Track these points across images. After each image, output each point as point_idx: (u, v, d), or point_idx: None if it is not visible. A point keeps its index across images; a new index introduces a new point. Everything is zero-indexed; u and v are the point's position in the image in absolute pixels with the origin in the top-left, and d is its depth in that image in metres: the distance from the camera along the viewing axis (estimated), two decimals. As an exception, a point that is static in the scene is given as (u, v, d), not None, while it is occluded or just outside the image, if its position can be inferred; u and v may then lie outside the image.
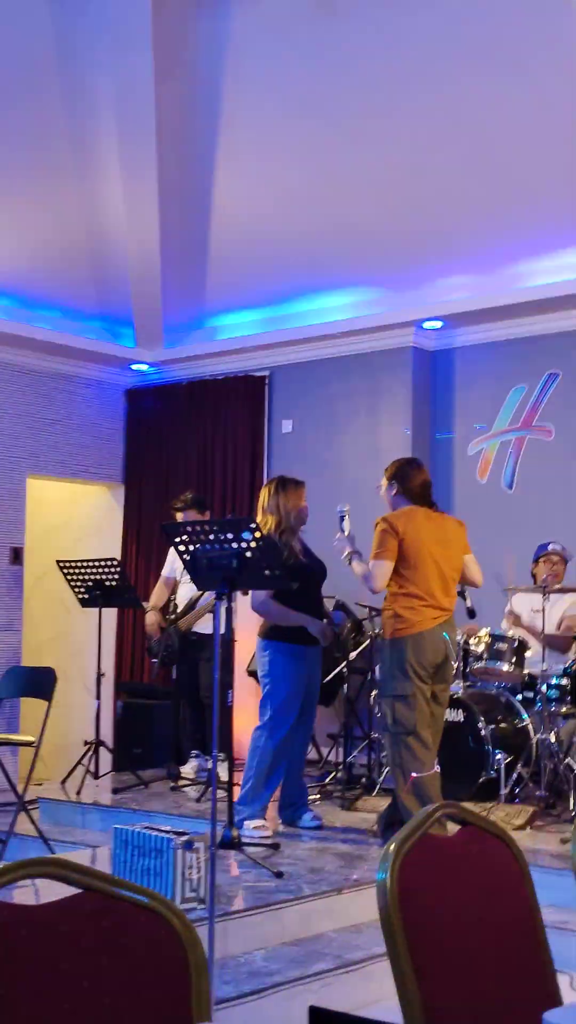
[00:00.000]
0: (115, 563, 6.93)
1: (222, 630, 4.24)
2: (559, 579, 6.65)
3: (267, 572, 4.57)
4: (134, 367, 9.24)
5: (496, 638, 6.52)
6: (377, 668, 5.48)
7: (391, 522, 5.31)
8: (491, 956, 1.98)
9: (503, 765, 6.07)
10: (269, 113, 6.71)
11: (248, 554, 4.45)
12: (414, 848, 1.92)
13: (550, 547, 6.80)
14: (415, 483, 5.48)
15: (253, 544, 4.43)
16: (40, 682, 6.08)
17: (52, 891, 1.56)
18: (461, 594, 6.90)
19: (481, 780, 6.22)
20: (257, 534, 4.43)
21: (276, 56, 6.32)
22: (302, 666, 5.73)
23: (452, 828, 2.09)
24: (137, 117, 6.59)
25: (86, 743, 7.00)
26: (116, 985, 1.50)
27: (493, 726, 6.34)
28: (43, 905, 1.52)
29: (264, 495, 5.87)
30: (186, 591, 7.04)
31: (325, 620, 5.88)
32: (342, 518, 5.61)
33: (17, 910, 1.49)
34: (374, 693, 6.52)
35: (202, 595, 6.90)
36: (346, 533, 5.56)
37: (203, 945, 1.64)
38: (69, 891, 1.57)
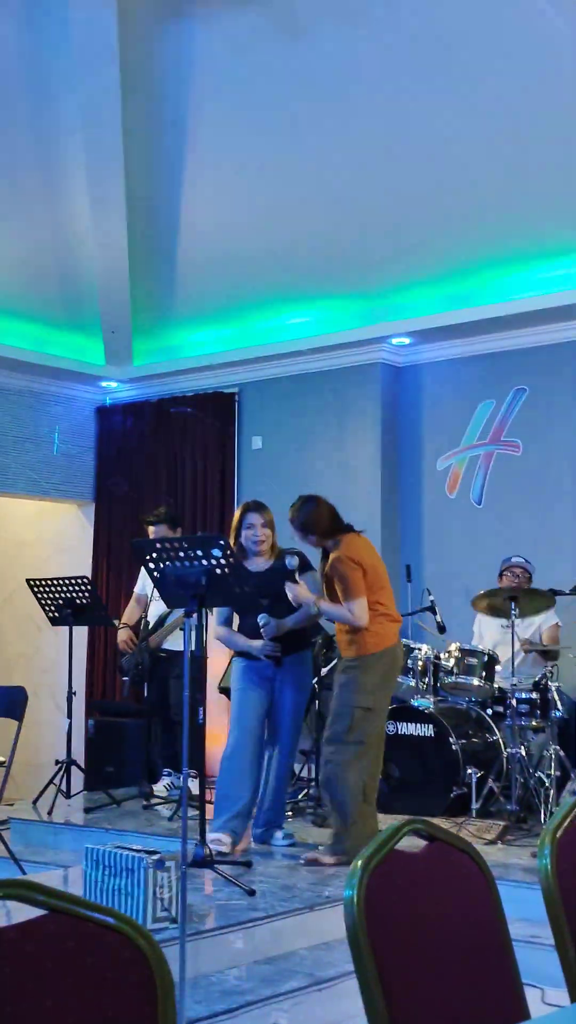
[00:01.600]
0: (86, 581, 6.91)
1: (192, 647, 4.24)
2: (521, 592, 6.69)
3: (236, 589, 4.57)
4: (103, 384, 9.23)
5: (466, 652, 6.54)
6: (340, 681, 5.47)
7: (353, 558, 5.40)
8: (458, 971, 1.98)
9: (474, 780, 6.09)
10: (236, 130, 6.74)
11: (217, 571, 4.45)
12: (381, 864, 1.92)
13: (513, 560, 6.85)
14: (324, 520, 5.49)
15: (223, 561, 4.44)
16: (11, 701, 6.04)
17: (22, 913, 1.56)
18: (431, 609, 6.95)
19: (452, 795, 6.24)
20: (227, 551, 4.44)
21: (242, 73, 6.35)
22: (256, 681, 5.74)
23: (419, 843, 2.09)
24: (104, 134, 6.60)
25: (57, 762, 6.96)
26: (81, 1007, 1.50)
27: (464, 741, 6.36)
28: (8, 927, 1.51)
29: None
30: (157, 608, 7.03)
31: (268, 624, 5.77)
32: (294, 571, 5.56)
33: (-19, 932, 1.48)
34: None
35: (171, 612, 6.89)
36: (300, 584, 5.53)
37: (174, 965, 1.64)
38: (36, 912, 1.56)
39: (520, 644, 6.37)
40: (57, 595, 6.91)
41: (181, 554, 4.50)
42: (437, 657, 6.64)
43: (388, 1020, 1.80)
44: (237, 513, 5.92)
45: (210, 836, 5.51)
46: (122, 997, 1.53)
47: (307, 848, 5.73)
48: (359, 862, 1.90)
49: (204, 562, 4.43)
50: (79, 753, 7.81)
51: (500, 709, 6.53)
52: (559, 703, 6.05)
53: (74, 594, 6.86)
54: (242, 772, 5.66)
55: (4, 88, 6.44)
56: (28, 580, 7.05)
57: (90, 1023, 1.49)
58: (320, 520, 5.48)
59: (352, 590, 5.33)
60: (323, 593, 5.50)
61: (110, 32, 5.92)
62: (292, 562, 5.56)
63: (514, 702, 6.13)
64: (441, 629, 6.88)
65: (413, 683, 6.63)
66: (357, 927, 1.82)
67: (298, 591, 5.49)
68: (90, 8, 5.81)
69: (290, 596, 5.51)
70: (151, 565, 4.59)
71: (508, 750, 6.15)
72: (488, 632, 6.98)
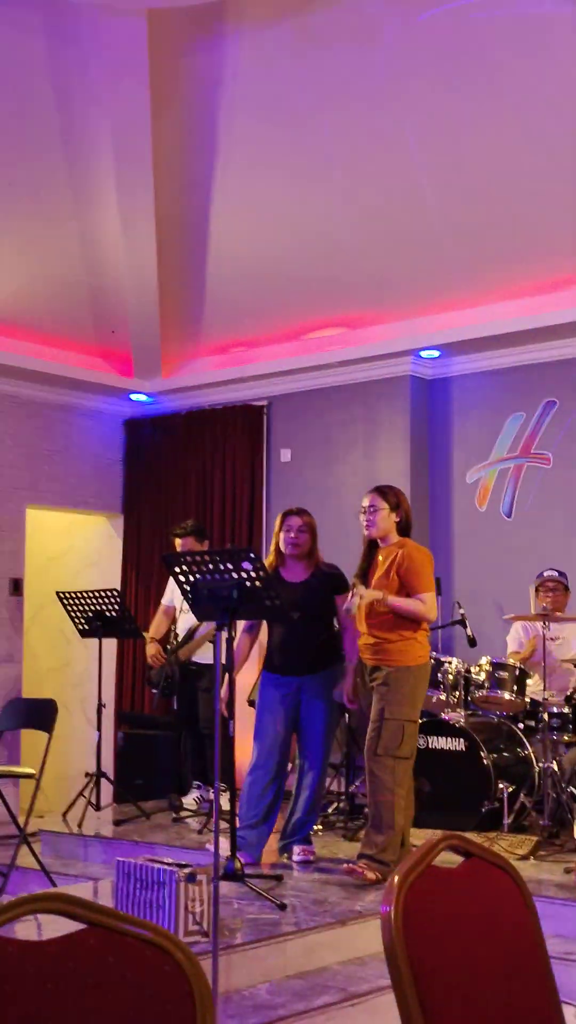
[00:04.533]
0: (115, 593, 6.93)
1: (223, 660, 4.24)
2: (559, 606, 6.65)
3: (267, 602, 4.57)
4: (133, 397, 9.27)
5: (497, 666, 6.51)
6: (381, 694, 5.39)
7: (429, 556, 5.52)
8: (496, 988, 1.97)
9: (506, 795, 6.05)
10: (265, 145, 6.76)
11: (248, 584, 4.46)
12: (418, 880, 1.91)
13: (546, 574, 6.81)
14: (410, 516, 5.57)
15: (253, 574, 4.44)
16: (41, 714, 6.07)
17: (55, 926, 1.56)
18: (462, 623, 6.92)
19: (484, 810, 6.20)
20: (257, 564, 4.44)
21: (272, 88, 6.37)
22: (277, 698, 5.73)
23: (455, 860, 2.08)
24: (134, 150, 6.64)
25: (87, 774, 6.98)
26: (122, 1020, 1.50)
27: (495, 755, 6.32)
28: (47, 941, 1.52)
29: None
30: (185, 621, 7.04)
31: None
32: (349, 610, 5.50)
33: (22, 946, 1.48)
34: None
35: (200, 625, 6.90)
36: (360, 587, 5.46)
37: (207, 978, 1.64)
38: (72, 926, 1.56)
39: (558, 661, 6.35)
40: (87, 608, 6.94)
41: (211, 567, 4.51)
42: (468, 671, 6.61)
43: (426, 1037, 1.79)
44: (279, 518, 5.90)
45: (299, 848, 5.59)
46: (162, 1012, 1.53)
47: (338, 862, 5.70)
48: (396, 878, 1.89)
49: (235, 575, 4.44)
50: (108, 766, 7.83)
51: (532, 723, 6.50)
52: (591, 717, 6.00)
53: (103, 607, 6.89)
54: (261, 792, 5.65)
55: (34, 104, 6.49)
56: (58, 593, 7.08)
57: (131, 1038, 1.49)
58: (408, 508, 5.58)
59: (429, 583, 5.39)
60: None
61: (140, 48, 5.96)
62: (351, 608, 5.45)
63: (546, 716, 6.09)
64: (472, 643, 6.85)
65: (444, 697, 6.60)
66: (395, 943, 1.81)
67: (365, 592, 5.37)
68: (120, 25, 5.85)
69: (357, 602, 5.39)
70: (181, 578, 4.60)
71: (540, 764, 6.12)
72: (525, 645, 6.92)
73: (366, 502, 5.55)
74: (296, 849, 5.77)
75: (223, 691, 5.69)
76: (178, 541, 7.26)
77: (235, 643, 5.59)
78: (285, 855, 5.78)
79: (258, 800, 5.64)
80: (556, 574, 6.79)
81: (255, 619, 5.73)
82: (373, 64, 6.04)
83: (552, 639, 6.42)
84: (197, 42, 6.14)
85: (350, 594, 5.48)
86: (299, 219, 7.26)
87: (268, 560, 5.81)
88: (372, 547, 5.59)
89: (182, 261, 7.76)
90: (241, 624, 5.80)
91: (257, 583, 4.49)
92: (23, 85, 6.32)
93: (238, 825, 5.58)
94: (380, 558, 5.50)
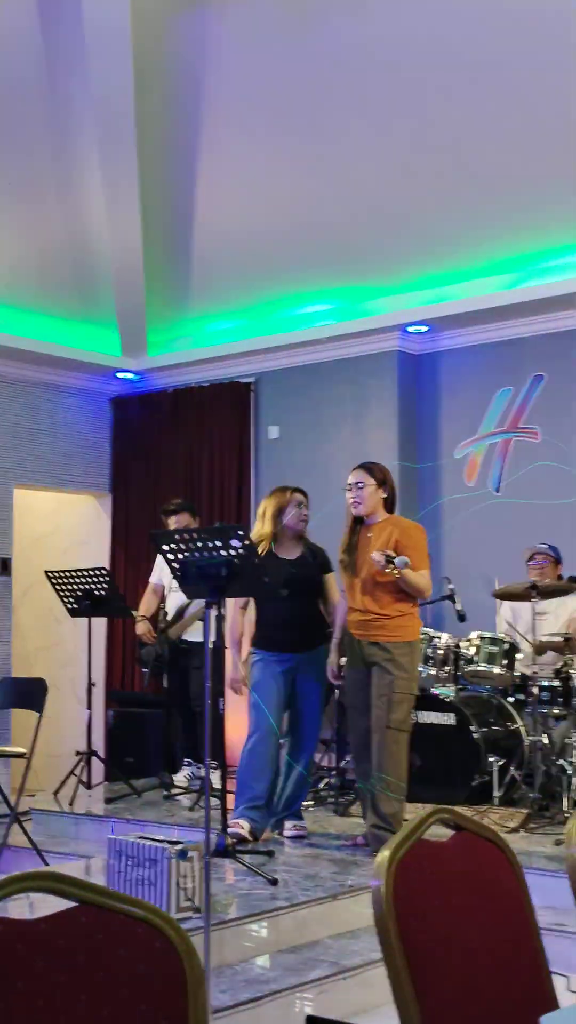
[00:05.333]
0: (104, 572, 6.92)
1: (212, 638, 4.24)
2: (548, 579, 6.66)
3: (256, 579, 4.57)
4: (119, 375, 9.23)
5: (486, 641, 6.53)
6: (386, 669, 5.38)
7: (424, 531, 5.55)
8: (487, 960, 1.98)
9: (496, 768, 6.08)
10: (250, 120, 6.72)
11: (237, 561, 4.45)
12: (408, 854, 1.91)
13: (537, 546, 6.82)
14: (395, 492, 5.56)
15: (242, 551, 4.43)
16: (31, 693, 6.06)
17: (47, 904, 1.56)
18: (451, 598, 6.93)
19: (474, 783, 6.23)
20: (247, 541, 4.43)
21: (255, 64, 6.33)
22: (274, 672, 5.73)
23: (446, 833, 2.09)
24: (118, 127, 6.59)
25: (78, 753, 6.99)
26: (113, 998, 1.50)
27: (485, 729, 6.35)
28: (39, 919, 1.51)
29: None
30: (175, 599, 7.03)
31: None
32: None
33: (13, 925, 1.48)
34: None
35: (191, 603, 6.89)
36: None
37: (199, 955, 1.64)
38: (64, 904, 1.56)
39: (537, 639, 6.35)
40: (75, 587, 6.92)
41: (200, 544, 4.49)
42: (457, 646, 6.63)
43: (417, 1009, 1.80)
44: (281, 495, 5.86)
45: (230, 821, 5.53)
46: (153, 989, 1.53)
47: (328, 837, 5.72)
48: (386, 852, 1.90)
49: (224, 552, 4.43)
50: (99, 744, 7.84)
51: (521, 697, 6.52)
52: (580, 690, 6.02)
53: (92, 586, 6.88)
54: (263, 766, 5.67)
55: (18, 82, 6.44)
56: (47, 572, 7.07)
57: (122, 1015, 1.49)
58: (393, 485, 5.60)
59: (427, 558, 5.43)
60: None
61: (123, 25, 5.91)
62: (402, 560, 5.26)
63: (536, 690, 6.11)
64: (461, 618, 6.86)
65: (434, 672, 6.62)
66: (386, 917, 1.81)
67: (382, 560, 5.20)
68: (103, 1, 5.80)
69: (384, 557, 5.22)
70: (170, 556, 4.58)
71: (530, 738, 6.14)
72: (523, 616, 6.91)
73: (352, 479, 5.54)
74: (287, 825, 5.79)
75: (229, 669, 5.69)
76: (172, 519, 7.24)
77: (230, 621, 5.60)
78: (276, 831, 5.80)
79: (260, 774, 5.65)
80: (546, 547, 6.80)
81: (244, 596, 5.73)
82: (358, 38, 6.00)
83: (539, 613, 6.43)
84: (181, 17, 6.09)
85: (383, 555, 5.26)
86: (285, 195, 7.23)
87: (262, 534, 5.76)
88: (357, 523, 5.58)
89: (168, 238, 7.72)
90: (235, 602, 5.79)
91: (247, 560, 4.48)
92: (6, 62, 6.26)
93: (236, 802, 5.60)
94: (370, 535, 5.49)
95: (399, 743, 5.36)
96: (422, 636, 6.58)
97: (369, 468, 5.56)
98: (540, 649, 6.37)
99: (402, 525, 5.47)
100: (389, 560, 5.20)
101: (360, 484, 5.50)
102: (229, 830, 5.43)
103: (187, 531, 4.64)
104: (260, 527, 5.85)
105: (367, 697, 5.41)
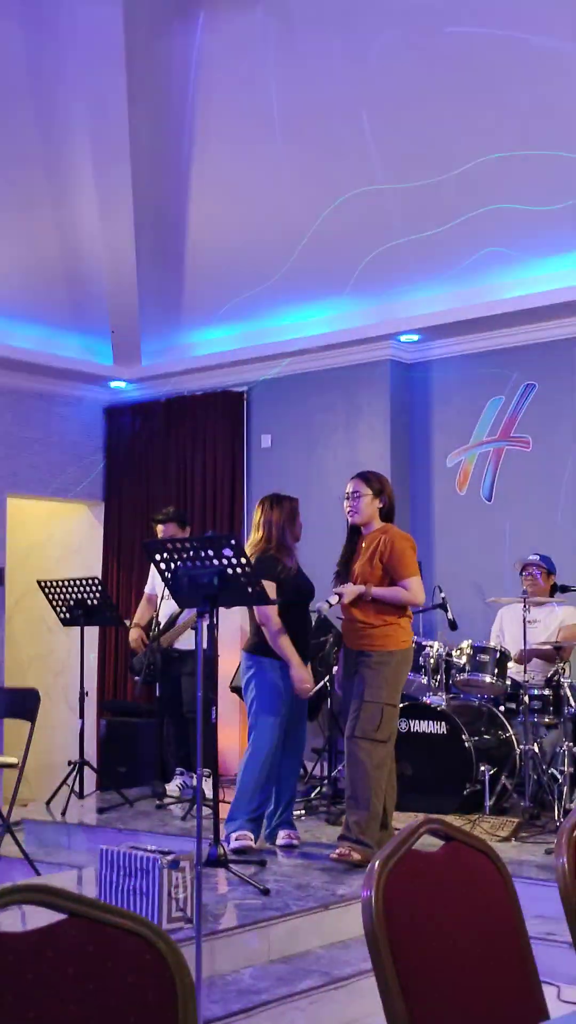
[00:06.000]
0: (96, 582, 6.92)
1: (204, 647, 4.24)
2: (541, 590, 6.68)
3: (249, 589, 4.57)
4: (112, 384, 9.24)
5: (478, 650, 6.54)
6: (362, 677, 5.40)
7: (412, 542, 5.52)
8: (477, 970, 1.98)
9: (487, 777, 6.09)
10: (242, 129, 6.74)
11: (229, 571, 4.45)
12: (399, 864, 1.92)
13: (528, 558, 6.84)
14: (393, 502, 5.57)
15: (234, 561, 4.44)
16: (23, 702, 6.06)
17: (38, 917, 1.56)
18: (443, 607, 6.94)
19: (465, 792, 6.23)
20: (238, 550, 4.44)
21: (248, 72, 6.35)
22: (285, 682, 5.71)
23: (436, 843, 2.09)
24: (111, 135, 6.61)
25: (70, 763, 6.98)
26: (104, 1011, 1.50)
27: (476, 738, 6.35)
28: (29, 932, 1.52)
29: (257, 512, 5.88)
30: (167, 608, 7.03)
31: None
32: (331, 605, 5.47)
33: (3, 937, 1.49)
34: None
35: (181, 611, 6.89)
36: (345, 586, 5.43)
37: (190, 965, 1.65)
38: (54, 916, 1.57)
39: (525, 648, 6.37)
40: (68, 596, 6.92)
41: (191, 554, 4.50)
42: (449, 654, 6.64)
43: (408, 1020, 1.80)
44: (285, 507, 5.80)
45: (235, 833, 5.54)
46: (144, 1001, 1.54)
47: (320, 847, 5.72)
48: (377, 862, 1.90)
49: (216, 562, 4.43)
50: (91, 754, 7.83)
51: (513, 706, 6.53)
52: (572, 700, 6.04)
53: (85, 595, 6.88)
54: (267, 777, 5.67)
55: (10, 90, 6.45)
56: (39, 581, 7.07)
57: (112, 1027, 1.49)
58: (392, 494, 5.59)
59: (412, 567, 5.40)
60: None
61: (116, 32, 5.93)
62: (327, 602, 5.45)
63: (527, 699, 6.12)
64: (453, 626, 6.88)
65: (425, 680, 6.62)
66: (376, 927, 1.82)
67: (347, 590, 5.38)
68: (96, 9, 5.82)
69: (335, 600, 5.39)
70: (162, 565, 4.59)
71: (521, 747, 6.15)
72: (509, 628, 6.94)
73: (349, 488, 5.55)
74: (281, 834, 5.79)
75: (301, 675, 5.64)
76: (160, 527, 7.26)
77: (277, 629, 5.57)
78: (269, 840, 5.80)
79: (265, 785, 5.65)
80: (537, 558, 6.82)
81: (236, 606, 5.72)
82: (349, 48, 6.03)
83: (529, 622, 6.45)
84: (173, 26, 6.11)
85: (332, 594, 5.46)
86: (277, 204, 7.25)
87: (261, 543, 5.73)
88: (354, 533, 5.59)
89: (161, 247, 7.74)
90: (274, 611, 5.67)
91: (238, 570, 4.49)
92: (1, 75, 6.28)
93: (237, 812, 5.60)
94: (363, 545, 5.50)
95: (365, 752, 5.32)
96: (414, 645, 6.60)
97: (366, 478, 5.57)
98: (520, 659, 6.37)
99: (390, 534, 5.48)
100: (321, 607, 5.49)
101: (357, 493, 5.51)
102: (235, 843, 5.46)
103: (179, 540, 4.64)
104: (276, 536, 5.77)
105: None
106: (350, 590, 5.38)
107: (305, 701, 5.84)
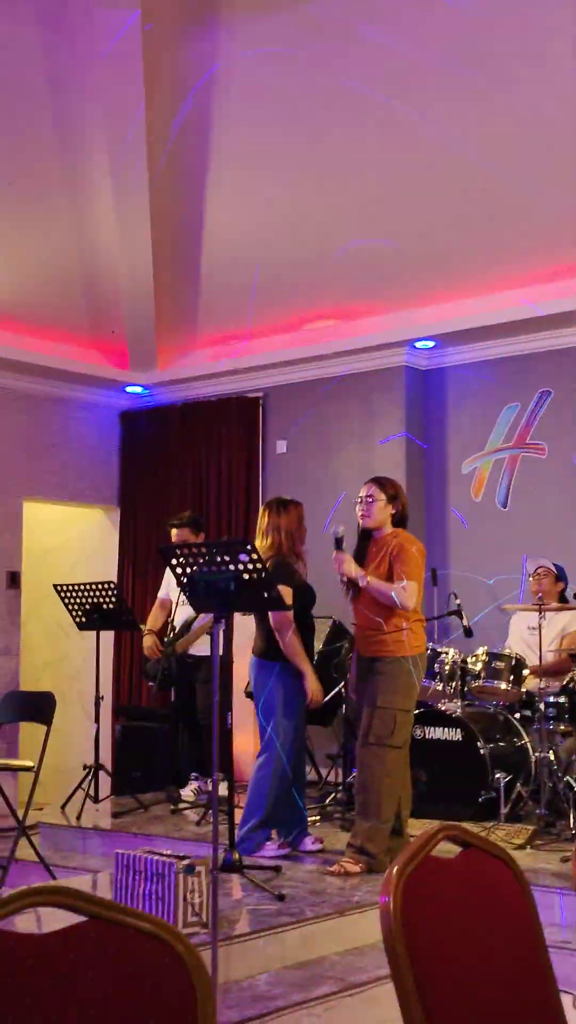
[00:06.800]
0: (112, 586, 6.94)
1: (220, 652, 4.25)
2: (549, 595, 6.66)
3: (265, 595, 4.58)
4: (128, 389, 9.26)
5: (493, 656, 6.52)
6: (374, 684, 5.39)
7: (422, 549, 5.46)
8: (495, 978, 1.98)
9: (502, 784, 6.07)
10: (260, 136, 6.75)
11: (246, 576, 4.46)
12: (416, 870, 1.92)
13: (536, 564, 6.84)
14: (406, 508, 5.56)
15: (251, 566, 4.44)
16: (39, 706, 6.07)
17: (55, 919, 1.56)
18: (458, 613, 6.93)
19: (481, 799, 6.22)
20: (254, 556, 4.44)
21: (266, 79, 6.36)
22: (301, 687, 5.71)
23: (454, 850, 2.09)
24: (128, 141, 6.62)
25: (85, 767, 6.99)
26: (123, 1014, 1.50)
27: (492, 745, 6.34)
28: (48, 934, 1.52)
29: (263, 517, 5.86)
30: (182, 613, 7.04)
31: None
32: (340, 540, 5.47)
33: (22, 940, 1.49)
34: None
35: (197, 617, 6.90)
36: (347, 554, 5.47)
37: (207, 970, 1.64)
38: (72, 919, 1.57)
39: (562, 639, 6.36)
40: (84, 600, 6.94)
41: (208, 559, 4.50)
42: (464, 661, 6.63)
43: (425, 1027, 1.79)
44: (292, 512, 5.81)
45: (277, 842, 5.64)
46: (163, 1003, 1.54)
47: (336, 854, 5.71)
48: (395, 869, 1.90)
49: (232, 567, 4.44)
50: (107, 758, 7.83)
51: (528, 713, 6.51)
52: (588, 707, 6.02)
53: (100, 599, 6.89)
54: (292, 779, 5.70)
55: (28, 95, 6.48)
56: (55, 585, 7.08)
57: (132, 1030, 1.49)
58: (405, 501, 5.56)
59: (414, 572, 5.32)
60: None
61: (134, 38, 5.94)
62: (338, 530, 5.41)
63: (542, 706, 6.11)
64: (468, 633, 6.86)
65: (440, 687, 6.61)
66: (394, 934, 1.82)
67: (345, 562, 5.37)
68: (113, 14, 5.83)
69: (336, 565, 5.38)
70: (178, 570, 4.59)
71: (536, 754, 6.13)
72: (514, 634, 6.94)
73: (364, 492, 5.54)
74: (307, 840, 5.79)
75: (313, 687, 5.65)
76: (174, 531, 7.28)
77: (292, 636, 5.58)
78: (295, 847, 5.79)
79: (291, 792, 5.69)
80: (547, 563, 6.81)
81: (252, 611, 5.72)
82: (368, 54, 6.03)
83: (531, 628, 6.45)
84: (190, 32, 6.12)
85: (334, 558, 5.40)
86: (294, 210, 7.25)
87: (271, 549, 5.73)
88: (365, 537, 5.57)
89: (177, 253, 7.75)
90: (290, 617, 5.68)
91: (254, 575, 4.49)
92: (16, 77, 6.30)
93: (255, 821, 5.62)
94: (373, 549, 5.49)
95: (377, 759, 5.30)
96: (429, 651, 6.59)
97: (381, 483, 5.57)
98: (535, 672, 6.34)
99: (400, 538, 5.45)
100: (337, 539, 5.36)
101: (371, 498, 5.50)
102: (281, 851, 5.55)
103: (195, 545, 4.65)
104: (286, 542, 5.75)
105: None
106: (348, 566, 5.35)
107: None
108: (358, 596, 5.45)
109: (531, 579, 6.83)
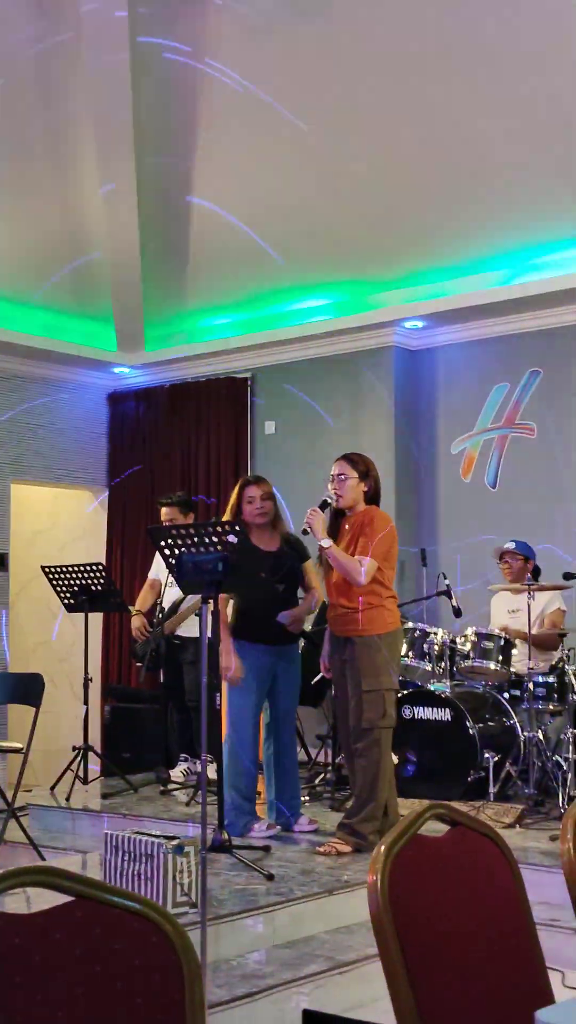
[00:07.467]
0: (100, 568, 6.92)
1: (208, 633, 4.24)
2: (516, 577, 6.67)
3: (253, 574, 4.57)
4: (116, 370, 9.22)
5: (482, 636, 6.53)
6: (354, 668, 5.36)
7: (392, 529, 5.36)
8: (483, 955, 1.98)
9: (492, 764, 6.09)
10: (247, 113, 6.71)
11: (230, 555, 4.45)
12: (404, 849, 1.92)
13: (504, 546, 6.84)
14: (378, 480, 5.50)
15: (240, 547, 4.44)
16: (28, 688, 6.06)
17: (43, 899, 1.56)
18: (447, 593, 6.94)
19: (470, 779, 6.24)
20: (244, 537, 4.43)
21: (254, 57, 6.32)
22: (265, 662, 5.68)
23: (442, 828, 2.09)
24: (115, 119, 6.58)
25: (74, 748, 6.99)
26: (110, 992, 1.50)
27: (481, 725, 6.35)
28: (35, 913, 1.52)
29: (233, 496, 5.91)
30: (171, 594, 7.03)
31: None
32: (326, 503, 5.38)
33: (9, 919, 1.49)
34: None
35: (185, 598, 6.89)
36: (319, 518, 5.34)
37: (195, 949, 1.64)
38: (60, 899, 1.57)
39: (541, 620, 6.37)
40: (72, 582, 6.92)
41: (196, 540, 4.50)
42: (453, 641, 6.64)
43: (413, 1004, 1.80)
44: (235, 490, 5.82)
45: (264, 823, 5.62)
46: (150, 982, 1.54)
47: (325, 835, 5.73)
48: (382, 847, 1.90)
49: (220, 548, 4.43)
50: (96, 739, 7.83)
51: (517, 693, 6.53)
52: (576, 686, 6.04)
53: (89, 581, 6.88)
54: (253, 764, 5.68)
55: (14, 74, 6.43)
56: (43, 567, 7.07)
57: (119, 1009, 1.49)
58: (377, 477, 5.49)
59: (377, 550, 5.24)
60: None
61: (121, 15, 5.90)
62: (330, 496, 5.37)
63: (531, 686, 6.12)
64: (457, 613, 6.87)
65: (429, 667, 6.62)
66: (381, 913, 1.82)
67: (315, 522, 5.29)
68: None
69: (306, 523, 5.30)
70: (166, 551, 4.59)
71: (525, 734, 6.15)
72: (496, 614, 6.95)
73: (335, 470, 5.47)
74: (302, 820, 5.80)
75: (224, 659, 5.62)
76: (163, 509, 7.25)
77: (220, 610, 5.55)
78: (290, 828, 5.79)
79: (255, 770, 5.68)
80: (513, 545, 6.81)
81: (242, 591, 5.70)
82: (355, 34, 6.00)
83: (511, 611, 6.46)
84: (178, 7, 6.08)
85: (309, 512, 5.34)
86: (282, 190, 7.22)
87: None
88: (338, 516, 5.52)
89: (165, 232, 7.72)
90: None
91: (243, 556, 4.49)
92: (4, 56, 6.26)
93: (242, 798, 5.62)
94: (346, 527, 5.45)
95: (374, 742, 5.29)
96: (418, 632, 6.60)
97: (352, 460, 5.51)
98: (524, 638, 6.35)
99: (371, 515, 5.39)
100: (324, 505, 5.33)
101: (343, 476, 5.44)
102: (271, 831, 5.54)
103: (184, 526, 4.65)
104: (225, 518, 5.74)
105: (347, 694, 5.40)
106: (317, 526, 5.27)
107: (297, 687, 5.82)
108: (329, 572, 5.41)
109: (502, 566, 6.83)
